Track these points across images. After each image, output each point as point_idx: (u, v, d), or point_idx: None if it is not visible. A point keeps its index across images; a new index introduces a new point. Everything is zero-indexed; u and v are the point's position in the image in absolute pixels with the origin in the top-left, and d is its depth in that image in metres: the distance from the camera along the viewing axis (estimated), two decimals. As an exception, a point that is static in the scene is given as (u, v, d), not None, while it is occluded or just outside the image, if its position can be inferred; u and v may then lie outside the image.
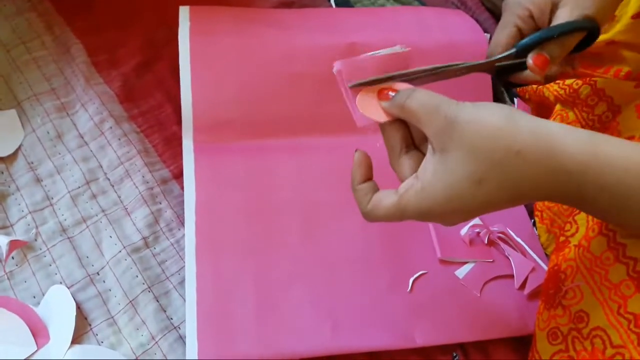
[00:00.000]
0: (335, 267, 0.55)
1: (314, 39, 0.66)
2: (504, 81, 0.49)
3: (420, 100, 0.36)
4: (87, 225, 0.55)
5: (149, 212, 0.56)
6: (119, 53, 0.67)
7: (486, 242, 0.59)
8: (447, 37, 0.71)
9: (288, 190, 0.59)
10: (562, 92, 0.61)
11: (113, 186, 0.58)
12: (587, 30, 0.44)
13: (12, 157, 0.58)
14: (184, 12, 0.63)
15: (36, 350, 0.47)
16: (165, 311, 0.52)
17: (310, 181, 0.60)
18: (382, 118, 0.39)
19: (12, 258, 0.52)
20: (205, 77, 0.61)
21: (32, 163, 0.58)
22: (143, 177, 0.58)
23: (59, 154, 0.59)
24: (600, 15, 0.44)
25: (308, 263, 0.55)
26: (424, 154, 0.38)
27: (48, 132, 0.60)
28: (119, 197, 0.57)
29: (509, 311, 0.55)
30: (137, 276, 0.52)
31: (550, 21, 0.45)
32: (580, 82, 0.59)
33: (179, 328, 0.51)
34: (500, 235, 0.59)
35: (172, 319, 0.51)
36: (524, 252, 0.59)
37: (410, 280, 0.56)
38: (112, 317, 0.51)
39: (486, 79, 0.67)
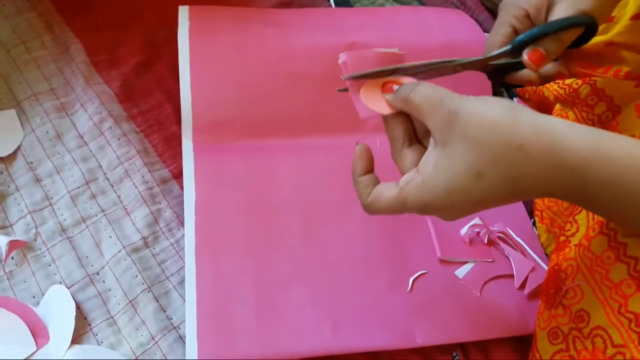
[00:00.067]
0: (335, 267, 0.55)
1: (313, 38, 0.66)
2: (500, 81, 0.49)
3: (424, 94, 0.37)
4: (87, 225, 0.55)
5: (148, 212, 0.56)
6: (118, 53, 0.67)
7: (486, 241, 0.59)
8: (446, 36, 0.71)
9: (288, 190, 0.59)
10: (561, 91, 0.61)
11: (113, 186, 0.58)
12: (584, 25, 0.44)
13: (12, 157, 0.58)
14: (183, 11, 0.63)
15: (36, 350, 0.47)
16: (165, 311, 0.52)
17: (310, 181, 0.60)
18: (385, 110, 0.39)
19: (12, 258, 0.52)
20: (205, 77, 0.61)
21: (31, 163, 0.58)
22: (143, 177, 0.58)
23: (59, 154, 0.59)
24: (597, 11, 0.43)
25: (308, 263, 0.55)
26: (426, 148, 0.38)
27: (47, 132, 0.60)
28: (119, 197, 0.57)
29: (509, 311, 0.55)
30: (136, 276, 0.52)
31: (546, 20, 0.45)
32: (580, 81, 0.59)
33: (179, 328, 0.51)
34: (500, 235, 0.59)
35: (171, 319, 0.51)
36: (523, 252, 0.59)
37: (410, 280, 0.56)
38: (112, 317, 0.51)
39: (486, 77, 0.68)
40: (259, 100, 0.62)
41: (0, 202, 0.55)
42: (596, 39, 0.56)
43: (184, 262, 0.54)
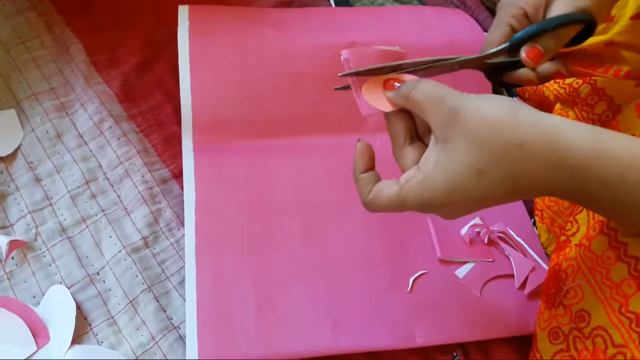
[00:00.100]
0: (335, 266, 0.55)
1: (313, 38, 0.66)
2: (498, 80, 0.49)
3: (425, 91, 0.37)
4: (87, 225, 0.55)
5: (148, 212, 0.56)
6: (118, 53, 0.67)
7: (486, 241, 0.59)
8: (446, 36, 0.71)
9: (288, 190, 0.59)
10: (562, 91, 0.61)
11: (112, 186, 0.58)
12: (582, 22, 0.43)
13: (12, 156, 0.58)
14: (183, 11, 0.63)
15: (36, 351, 0.47)
16: (165, 311, 0.52)
17: (310, 181, 0.60)
18: (387, 108, 0.40)
19: (12, 258, 0.52)
20: (205, 76, 0.61)
21: (31, 163, 0.58)
22: (143, 176, 0.58)
23: (59, 153, 0.59)
24: (595, 8, 0.43)
25: (308, 263, 0.55)
26: (427, 146, 0.38)
27: (47, 132, 0.60)
28: (119, 196, 0.57)
29: (509, 311, 0.55)
30: (137, 276, 0.52)
31: (544, 18, 0.45)
32: (580, 81, 0.59)
33: (179, 328, 0.51)
34: (501, 234, 0.59)
35: (172, 319, 0.51)
36: (524, 252, 0.59)
37: (411, 280, 0.56)
38: (112, 317, 0.51)
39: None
40: (259, 100, 0.62)
41: (0, 202, 0.55)
42: (596, 39, 0.56)
43: (184, 262, 0.54)
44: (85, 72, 0.64)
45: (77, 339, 0.49)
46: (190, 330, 0.49)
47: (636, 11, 0.53)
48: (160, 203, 0.57)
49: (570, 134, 0.33)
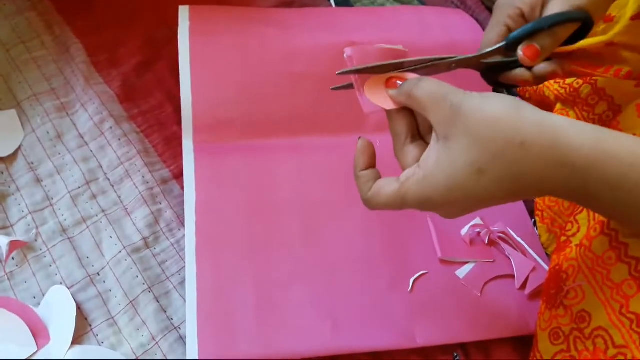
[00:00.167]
0: (335, 267, 0.55)
1: (314, 38, 0.66)
2: (494, 80, 0.49)
3: (427, 89, 0.36)
4: (87, 226, 0.55)
5: (149, 212, 0.56)
6: (118, 53, 0.67)
7: (487, 242, 0.59)
8: (447, 36, 0.71)
9: (288, 190, 0.59)
10: (562, 91, 0.61)
11: (113, 186, 0.58)
12: (579, 21, 0.43)
13: (12, 157, 0.58)
14: (183, 11, 0.63)
15: (36, 351, 0.47)
16: (165, 311, 0.52)
17: (310, 181, 0.60)
18: (389, 106, 0.40)
19: (13, 258, 0.52)
20: (205, 76, 0.61)
21: (32, 163, 0.58)
22: (143, 177, 0.58)
23: (59, 154, 0.59)
24: (593, 7, 0.43)
25: (308, 263, 0.55)
26: (428, 145, 0.38)
27: (48, 132, 0.60)
28: (119, 197, 0.57)
29: (510, 311, 0.55)
30: (137, 276, 0.52)
31: (541, 17, 0.45)
32: (580, 81, 0.59)
33: (180, 328, 0.51)
34: (501, 235, 0.59)
35: (172, 319, 0.51)
36: (524, 252, 0.59)
37: (411, 280, 0.56)
38: (113, 318, 0.51)
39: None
40: (260, 100, 0.62)
41: (1, 202, 0.55)
42: (596, 39, 0.56)
43: (184, 262, 0.54)
44: (86, 73, 0.64)
45: (77, 340, 0.49)
46: (191, 330, 0.49)
47: (636, 11, 0.53)
48: (160, 203, 0.57)
49: (572, 133, 0.33)
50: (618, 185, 0.32)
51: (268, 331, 0.50)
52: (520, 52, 0.44)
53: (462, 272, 0.57)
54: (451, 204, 0.36)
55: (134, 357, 0.49)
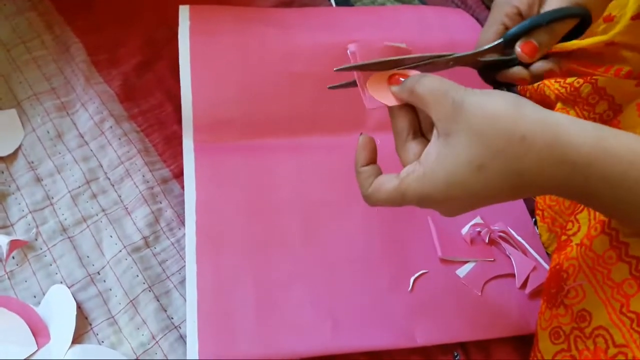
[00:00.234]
0: (335, 266, 0.55)
1: (314, 38, 0.66)
2: (491, 79, 0.49)
3: (429, 85, 0.36)
4: (88, 225, 0.55)
5: (149, 212, 0.56)
6: (119, 52, 0.67)
7: (487, 241, 0.59)
8: (447, 35, 0.71)
9: (288, 189, 0.59)
10: (563, 90, 0.61)
11: (113, 186, 0.58)
12: (577, 17, 0.43)
13: (12, 156, 0.58)
14: (183, 11, 0.63)
15: (37, 350, 0.47)
16: (165, 311, 0.52)
17: (310, 181, 0.60)
18: (391, 102, 0.40)
19: (13, 258, 0.52)
20: (206, 76, 0.61)
21: (32, 162, 0.58)
22: (143, 176, 0.58)
23: (59, 153, 0.59)
24: (591, 3, 0.43)
25: (308, 262, 0.55)
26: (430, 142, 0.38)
27: (48, 132, 0.60)
28: (119, 196, 0.57)
29: (510, 310, 0.55)
30: (137, 276, 0.52)
31: (538, 14, 0.45)
32: (581, 80, 0.59)
33: (180, 327, 0.51)
34: (501, 234, 0.59)
35: (172, 318, 0.51)
36: (525, 251, 0.59)
37: (411, 280, 0.56)
38: (113, 317, 0.51)
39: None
40: (260, 100, 0.62)
41: (1, 201, 0.55)
42: (596, 39, 0.56)
43: (184, 261, 0.54)
44: (86, 72, 0.64)
45: (77, 339, 0.49)
46: (191, 329, 0.49)
47: (637, 11, 0.52)
48: (160, 203, 0.57)
49: (573, 131, 0.33)
50: (618, 183, 0.32)
51: (268, 330, 0.50)
52: (517, 48, 0.44)
53: (462, 271, 0.57)
54: (451, 200, 0.36)
55: (134, 356, 0.49)
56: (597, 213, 0.45)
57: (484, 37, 0.46)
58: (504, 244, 0.59)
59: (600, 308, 0.40)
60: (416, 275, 0.56)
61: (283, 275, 0.54)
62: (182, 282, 0.53)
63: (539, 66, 0.46)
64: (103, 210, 0.56)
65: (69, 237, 0.54)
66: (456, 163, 0.34)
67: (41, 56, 0.65)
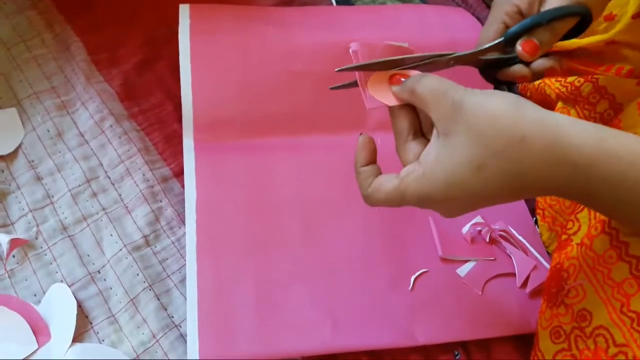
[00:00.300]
0: (335, 265, 0.55)
1: (314, 37, 0.65)
2: (492, 77, 0.48)
3: (429, 85, 0.36)
4: (88, 224, 0.55)
5: (149, 211, 0.56)
6: (119, 51, 0.67)
7: (488, 240, 0.59)
8: (448, 34, 0.70)
9: (288, 188, 0.59)
10: (563, 89, 0.61)
11: (113, 184, 0.58)
12: (577, 15, 0.43)
13: (13, 155, 0.58)
14: (184, 10, 0.63)
15: (37, 349, 0.47)
16: (166, 309, 0.52)
17: (310, 180, 0.60)
18: (392, 102, 0.40)
19: (13, 256, 0.52)
20: (206, 75, 0.61)
21: (32, 161, 0.58)
22: (143, 175, 0.58)
23: (60, 152, 0.59)
24: (591, 1, 0.43)
25: (308, 261, 0.55)
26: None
27: (48, 131, 0.60)
28: (120, 195, 0.57)
29: (511, 309, 0.55)
30: (137, 274, 0.52)
31: (539, 12, 0.45)
32: (582, 79, 0.59)
33: (180, 326, 0.51)
34: (502, 233, 0.59)
35: (173, 317, 0.51)
36: (525, 251, 0.59)
37: (412, 279, 0.56)
38: (113, 316, 0.51)
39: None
40: (260, 99, 0.62)
41: (2, 200, 0.55)
42: (597, 38, 0.56)
43: (185, 260, 0.54)
44: (86, 71, 0.64)
45: (78, 337, 0.49)
46: (191, 328, 0.49)
47: (637, 10, 0.52)
48: (161, 201, 0.57)
49: (573, 131, 0.33)
50: (618, 183, 0.32)
51: (268, 329, 0.50)
52: (518, 47, 0.43)
53: (463, 270, 0.57)
54: (450, 201, 0.35)
55: (135, 355, 0.49)
56: (598, 213, 0.45)
57: (484, 35, 0.46)
58: (504, 243, 0.59)
59: (600, 307, 0.40)
60: (417, 274, 0.56)
61: (283, 275, 0.54)
62: (183, 280, 0.53)
63: (540, 64, 0.46)
64: (103, 209, 0.56)
65: (69, 236, 0.54)
66: (456, 163, 0.34)
67: (41, 55, 0.65)
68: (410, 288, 0.55)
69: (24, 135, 0.60)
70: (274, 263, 0.54)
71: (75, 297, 0.50)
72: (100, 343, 0.49)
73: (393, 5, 0.80)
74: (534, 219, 0.63)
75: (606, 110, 0.55)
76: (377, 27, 0.69)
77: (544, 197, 0.61)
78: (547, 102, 0.64)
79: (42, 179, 0.57)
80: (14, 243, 0.52)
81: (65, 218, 0.55)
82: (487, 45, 0.45)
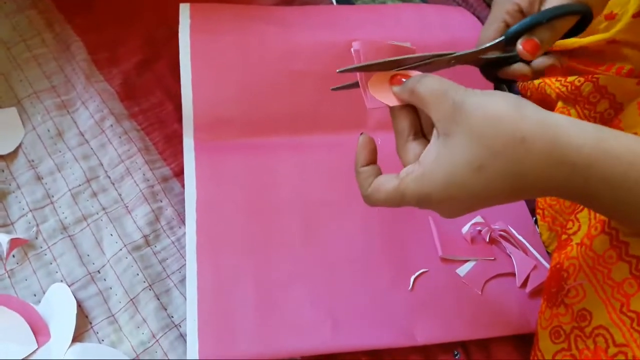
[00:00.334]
0: (335, 265, 0.55)
1: (314, 36, 0.65)
2: (493, 76, 0.48)
3: (430, 85, 0.36)
4: (88, 224, 0.55)
5: (149, 210, 0.56)
6: (119, 51, 0.67)
7: (487, 240, 0.59)
8: (448, 34, 0.70)
9: (288, 188, 0.59)
10: (563, 89, 0.61)
11: (114, 184, 0.58)
12: (578, 14, 0.43)
13: (13, 155, 0.58)
14: (184, 9, 0.63)
15: (37, 349, 0.47)
16: (166, 309, 0.52)
17: (310, 179, 0.60)
18: (393, 102, 0.40)
19: (13, 256, 0.52)
20: (206, 74, 0.61)
21: (32, 161, 0.58)
22: (144, 175, 0.58)
23: (60, 151, 0.59)
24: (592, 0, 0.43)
25: (308, 261, 0.55)
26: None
27: (48, 130, 0.60)
28: (120, 195, 0.57)
29: (511, 309, 0.55)
30: (137, 274, 0.52)
31: (539, 11, 0.45)
32: (582, 79, 0.59)
33: (180, 326, 0.51)
34: (502, 233, 0.59)
35: (172, 317, 0.51)
36: (525, 250, 0.59)
37: (411, 279, 0.55)
38: (113, 315, 0.51)
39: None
40: (260, 98, 0.62)
41: (2, 200, 0.55)
42: (598, 37, 0.56)
43: (185, 260, 0.54)
44: (86, 70, 0.64)
45: (77, 337, 0.49)
46: (191, 328, 0.49)
47: (638, 9, 0.52)
48: (161, 201, 0.57)
49: (573, 132, 0.33)
50: (618, 184, 0.32)
51: (268, 329, 0.50)
52: (519, 46, 0.43)
53: (462, 270, 0.57)
54: (450, 201, 0.35)
55: (134, 355, 0.49)
56: (598, 213, 0.45)
57: (485, 34, 0.46)
58: (504, 243, 0.59)
59: (600, 307, 0.40)
60: (416, 274, 0.56)
61: (283, 275, 0.54)
62: (182, 280, 0.53)
63: (541, 62, 0.46)
64: (103, 209, 0.56)
65: (69, 236, 0.54)
66: (455, 163, 0.34)
67: (41, 54, 0.65)
68: (410, 288, 0.55)
69: (24, 134, 0.60)
70: (274, 263, 0.54)
71: (75, 297, 0.50)
72: (100, 343, 0.49)
73: (393, 4, 0.79)
74: (534, 218, 0.63)
75: (606, 109, 0.55)
76: (377, 27, 0.69)
77: (544, 197, 0.61)
78: (547, 102, 0.64)
79: (42, 178, 0.57)
80: (14, 243, 0.52)
81: (65, 218, 0.55)
82: (488, 45, 0.45)
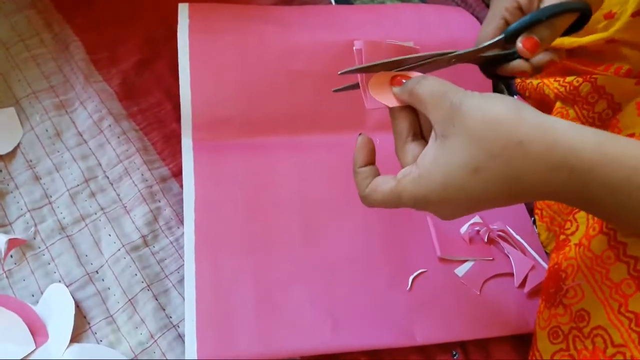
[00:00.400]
0: (335, 265, 0.55)
1: (314, 36, 0.65)
2: (492, 73, 0.48)
3: (429, 87, 0.36)
4: (86, 224, 0.55)
5: (148, 211, 0.56)
6: (118, 51, 0.67)
7: (486, 240, 0.59)
8: (447, 34, 0.70)
9: (288, 188, 0.59)
10: (562, 89, 0.61)
11: (112, 184, 0.58)
12: (577, 11, 0.43)
13: (11, 155, 0.58)
14: (183, 9, 0.63)
15: (35, 349, 0.47)
16: (164, 310, 0.51)
17: (309, 179, 0.60)
18: (392, 103, 0.40)
19: (11, 256, 0.52)
20: (205, 74, 0.61)
21: (30, 161, 0.58)
22: (142, 175, 0.58)
23: (58, 152, 0.59)
24: None
25: (308, 261, 0.55)
26: None
27: (47, 130, 0.60)
28: (118, 195, 0.57)
29: (509, 309, 0.55)
30: (136, 274, 0.52)
31: (538, 8, 0.45)
32: (580, 79, 0.59)
33: (178, 327, 0.51)
34: (500, 233, 0.59)
35: (171, 317, 0.51)
36: (523, 251, 0.59)
37: (410, 279, 0.55)
38: (111, 316, 0.51)
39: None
40: (259, 98, 0.62)
41: (0, 200, 0.55)
42: (596, 36, 0.56)
43: (183, 260, 0.54)
44: (85, 70, 0.64)
45: (75, 338, 0.49)
46: (189, 329, 0.49)
47: (637, 8, 0.52)
48: (159, 201, 0.57)
49: (572, 136, 0.33)
50: (619, 188, 0.32)
51: (267, 330, 0.50)
52: (519, 44, 0.43)
53: (461, 270, 0.57)
54: (446, 203, 0.35)
55: (133, 355, 0.49)
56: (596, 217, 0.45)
57: (484, 31, 0.46)
58: (502, 243, 0.59)
59: (598, 308, 0.40)
60: (415, 274, 0.56)
61: (283, 274, 0.54)
62: (181, 281, 0.53)
63: (540, 58, 0.46)
64: (102, 209, 0.56)
65: (67, 236, 0.54)
66: (452, 165, 0.34)
67: (40, 54, 0.65)
68: (408, 288, 0.55)
69: (23, 134, 0.59)
70: (273, 263, 0.54)
71: (73, 297, 0.50)
72: (98, 343, 0.49)
73: (392, 4, 0.79)
74: (532, 219, 0.63)
75: (604, 110, 0.55)
76: (376, 26, 0.69)
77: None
78: (545, 102, 0.64)
79: (41, 178, 0.57)
80: (12, 243, 0.52)
81: (64, 218, 0.55)
82: (488, 43, 0.45)
